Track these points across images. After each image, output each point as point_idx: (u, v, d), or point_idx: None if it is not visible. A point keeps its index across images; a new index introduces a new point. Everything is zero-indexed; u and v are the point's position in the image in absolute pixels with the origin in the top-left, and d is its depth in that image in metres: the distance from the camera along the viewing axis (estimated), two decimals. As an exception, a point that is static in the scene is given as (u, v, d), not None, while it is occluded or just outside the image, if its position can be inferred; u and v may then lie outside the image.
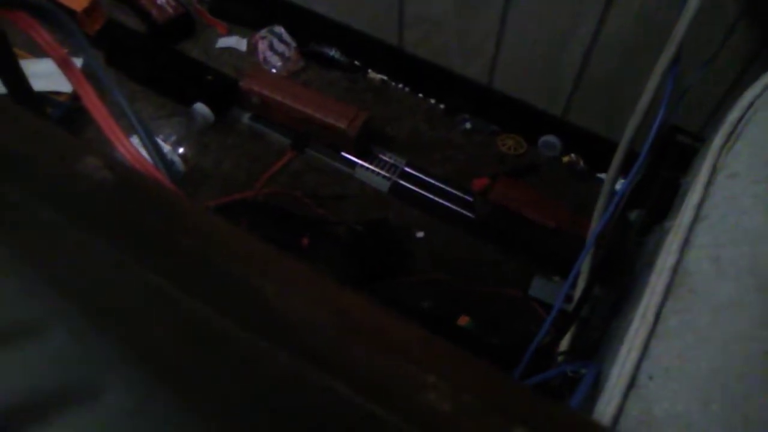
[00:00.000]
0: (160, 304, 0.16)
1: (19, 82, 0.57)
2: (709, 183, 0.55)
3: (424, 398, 0.14)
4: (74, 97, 1.39)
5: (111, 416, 0.20)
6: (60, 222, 0.16)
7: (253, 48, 1.63)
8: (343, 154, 1.44)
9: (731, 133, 0.58)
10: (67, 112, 1.40)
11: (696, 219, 0.52)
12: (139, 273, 0.16)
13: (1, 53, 0.51)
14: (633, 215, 0.86)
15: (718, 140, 0.58)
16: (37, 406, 0.20)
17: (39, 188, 0.16)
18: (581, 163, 1.45)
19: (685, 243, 0.51)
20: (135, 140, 0.53)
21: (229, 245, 0.17)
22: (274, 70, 1.58)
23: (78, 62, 1.03)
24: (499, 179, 1.35)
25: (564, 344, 0.99)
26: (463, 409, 0.14)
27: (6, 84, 0.58)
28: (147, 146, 0.53)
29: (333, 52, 1.60)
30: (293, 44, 1.61)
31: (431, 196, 1.39)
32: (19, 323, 0.21)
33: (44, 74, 1.07)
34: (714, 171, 0.56)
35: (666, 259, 0.50)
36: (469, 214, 1.36)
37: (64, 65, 0.43)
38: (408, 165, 1.43)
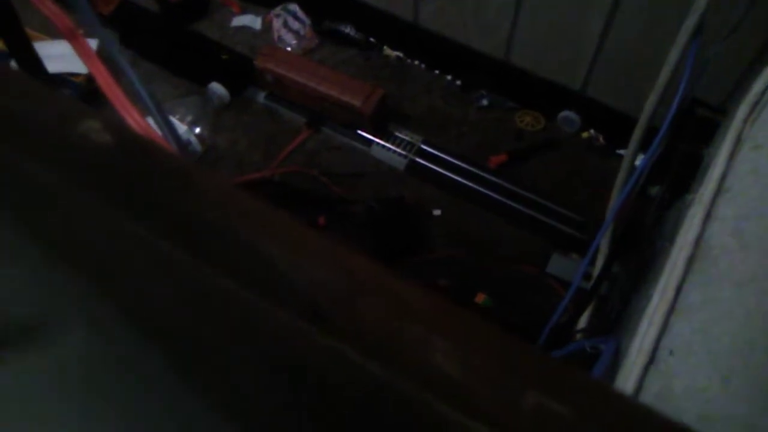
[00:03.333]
0: (160, 265, 0.16)
1: (32, 62, 0.57)
2: (732, 155, 0.53)
3: (433, 360, 0.13)
4: (90, 78, 1.40)
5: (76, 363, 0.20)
6: (57, 183, 0.16)
7: (267, 26, 1.62)
8: (359, 132, 1.43)
9: (755, 104, 0.56)
10: (83, 94, 1.41)
11: (719, 191, 0.51)
12: (140, 234, 0.16)
13: (13, 33, 0.50)
14: (653, 191, 0.85)
15: (741, 112, 0.56)
16: None
17: (37, 150, 0.16)
18: (601, 139, 1.43)
19: (708, 216, 0.50)
20: (151, 121, 0.53)
21: (236, 207, 0.16)
22: (288, 49, 1.57)
23: (93, 43, 1.03)
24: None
25: (582, 322, 0.99)
26: (473, 372, 0.13)
27: (20, 65, 0.58)
28: (160, 125, 0.52)
29: (348, 29, 1.58)
30: (308, 22, 1.60)
31: (448, 173, 1.38)
32: None
33: (60, 55, 1.07)
34: (738, 143, 0.54)
35: (688, 232, 0.49)
36: (486, 191, 1.35)
37: (71, 36, 0.43)
38: (424, 142, 1.42)
